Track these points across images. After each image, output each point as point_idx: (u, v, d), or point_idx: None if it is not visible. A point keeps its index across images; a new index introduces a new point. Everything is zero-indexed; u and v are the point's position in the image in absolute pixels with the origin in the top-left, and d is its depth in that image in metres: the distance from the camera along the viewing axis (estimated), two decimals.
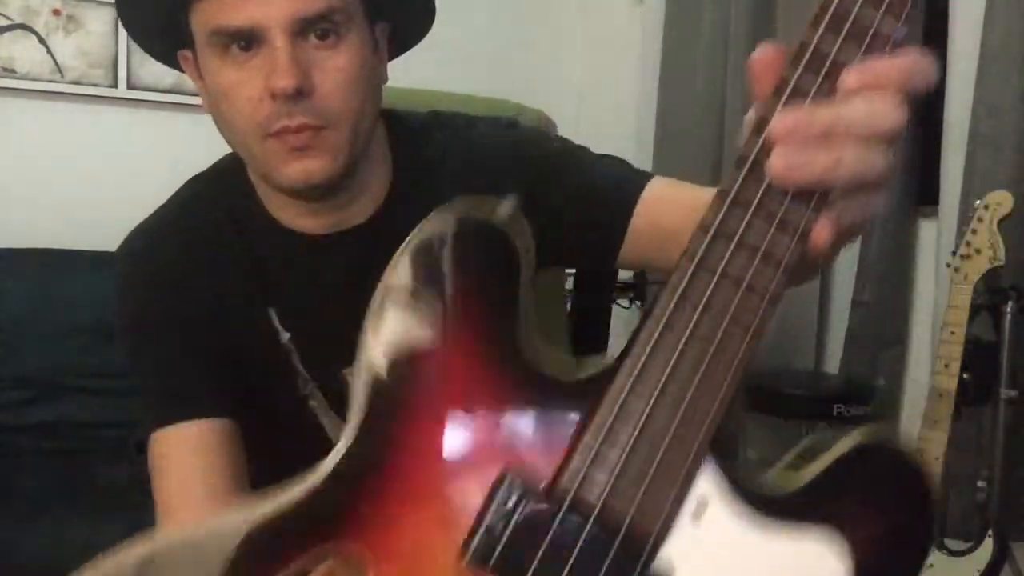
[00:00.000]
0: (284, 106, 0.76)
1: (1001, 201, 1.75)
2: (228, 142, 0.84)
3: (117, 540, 0.90)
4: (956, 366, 1.75)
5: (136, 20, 0.85)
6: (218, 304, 0.88)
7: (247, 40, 0.76)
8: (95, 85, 2.53)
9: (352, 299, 0.87)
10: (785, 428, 2.38)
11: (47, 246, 2.35)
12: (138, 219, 0.93)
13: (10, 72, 2.46)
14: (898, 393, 2.28)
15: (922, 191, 2.23)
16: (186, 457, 0.84)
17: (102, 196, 2.51)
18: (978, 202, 1.78)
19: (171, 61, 0.87)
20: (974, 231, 1.76)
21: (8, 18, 2.45)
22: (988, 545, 1.74)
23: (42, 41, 2.49)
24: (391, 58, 0.88)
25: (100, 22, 2.53)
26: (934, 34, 2.15)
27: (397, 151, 0.90)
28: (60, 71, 2.50)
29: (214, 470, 0.83)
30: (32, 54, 2.48)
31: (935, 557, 1.78)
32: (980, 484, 1.84)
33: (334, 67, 0.78)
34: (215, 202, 0.90)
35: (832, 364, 2.41)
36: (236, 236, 0.89)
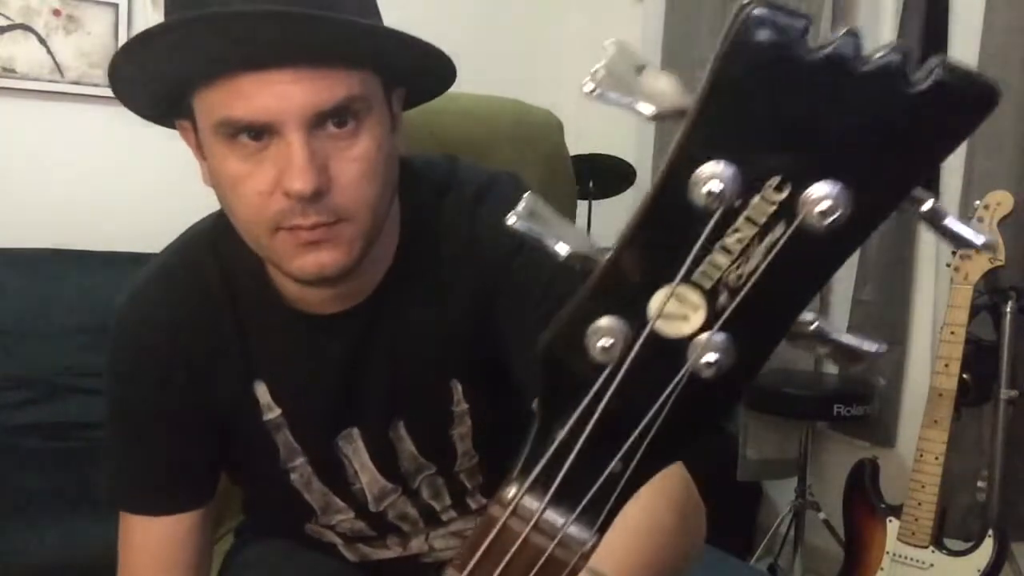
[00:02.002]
0: (298, 204, 0.70)
1: (1001, 201, 1.75)
2: (233, 224, 0.78)
3: (116, 540, 0.91)
4: (956, 366, 1.75)
5: (132, 96, 0.77)
6: (202, 380, 0.86)
7: (258, 132, 0.70)
8: (95, 85, 2.53)
9: (350, 376, 0.86)
10: (785, 428, 2.38)
11: (47, 246, 2.35)
12: (137, 219, 0.94)
13: (10, 72, 2.46)
14: (898, 393, 2.28)
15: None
16: (152, 547, 0.88)
17: (102, 196, 2.51)
18: (978, 202, 1.78)
19: (168, 125, 0.81)
20: None
21: (8, 18, 2.45)
22: (988, 545, 1.74)
23: (42, 41, 2.49)
24: (404, 110, 0.83)
25: (100, 22, 2.53)
26: (934, 34, 2.15)
27: (407, 217, 0.85)
28: (60, 71, 2.50)
29: (177, 564, 0.88)
30: (32, 54, 2.48)
31: (935, 557, 1.78)
32: (980, 484, 1.84)
33: (352, 157, 0.72)
34: (212, 268, 0.85)
35: (832, 364, 2.41)
36: (230, 308, 0.85)
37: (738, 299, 0.33)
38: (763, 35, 0.31)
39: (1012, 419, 1.82)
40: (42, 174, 2.49)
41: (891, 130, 0.30)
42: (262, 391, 0.86)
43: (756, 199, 0.32)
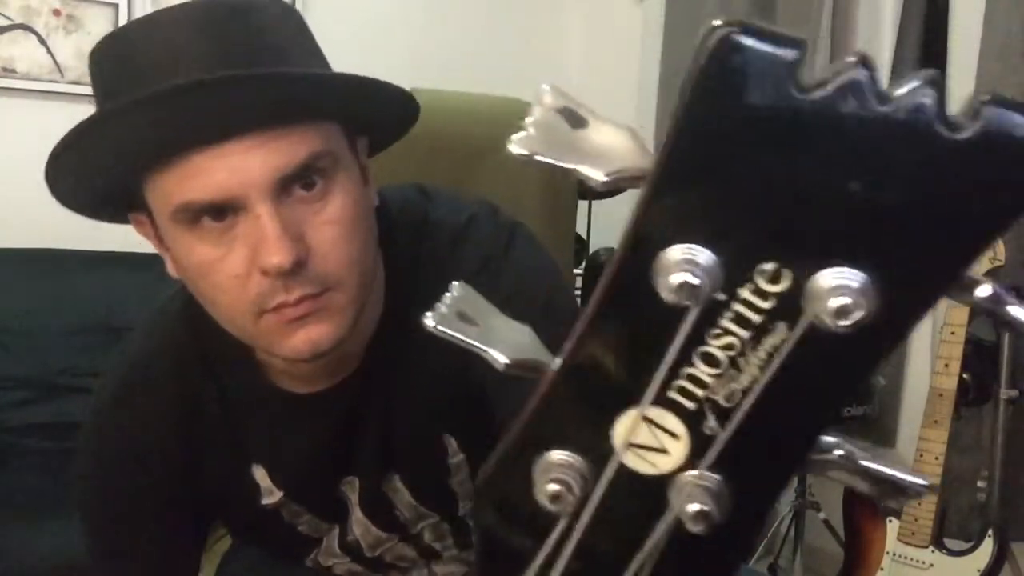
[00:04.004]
0: (279, 280, 0.64)
1: None
2: (210, 313, 0.71)
3: None
4: (956, 366, 1.75)
5: (77, 197, 0.71)
6: (190, 474, 0.82)
7: (221, 211, 0.64)
8: None
9: (345, 443, 0.82)
10: None
11: (47, 246, 2.35)
12: None
13: (10, 72, 2.46)
14: (898, 393, 2.28)
15: None
16: None
17: None
18: None
19: (121, 220, 0.74)
20: None
21: (8, 18, 2.44)
22: (988, 545, 1.74)
23: (42, 41, 2.48)
24: (369, 156, 0.77)
25: (100, 22, 2.53)
26: (934, 34, 2.15)
27: (389, 273, 0.79)
28: (60, 71, 2.50)
29: None
30: (32, 54, 2.47)
31: (935, 557, 1.78)
32: (980, 484, 1.84)
33: (326, 220, 0.66)
34: (192, 355, 0.80)
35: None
36: (215, 396, 0.80)
37: (732, 426, 0.25)
38: (743, 68, 0.22)
39: (1012, 419, 1.81)
40: (42, 174, 2.49)
41: (926, 193, 0.22)
42: (260, 474, 0.83)
43: (746, 292, 0.24)
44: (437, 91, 1.37)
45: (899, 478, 0.26)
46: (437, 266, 0.78)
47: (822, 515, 2.23)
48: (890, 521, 1.86)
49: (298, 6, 2.67)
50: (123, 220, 0.74)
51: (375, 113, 0.73)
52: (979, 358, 1.79)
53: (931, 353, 1.97)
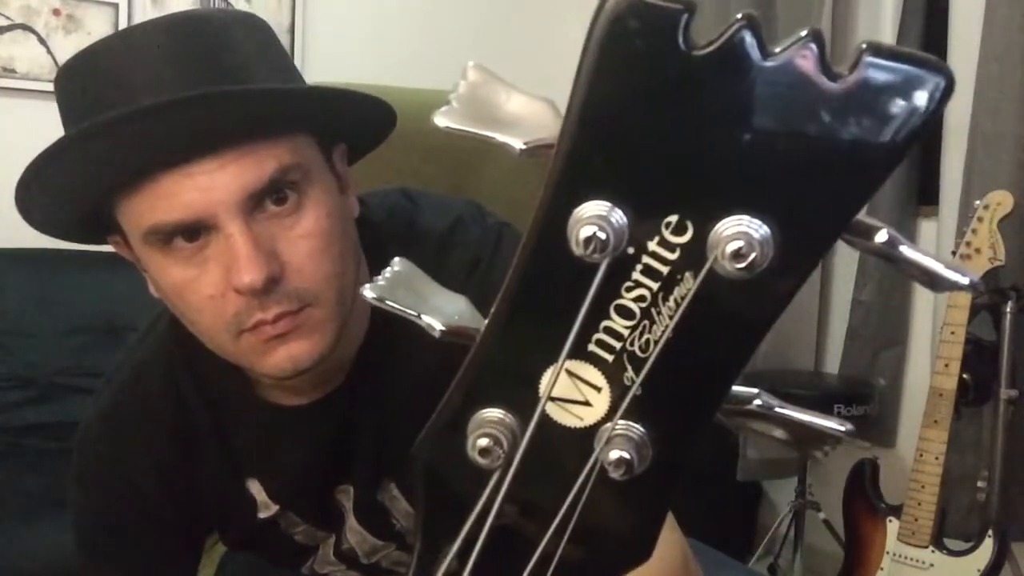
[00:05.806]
0: (255, 299, 0.63)
1: (1001, 201, 1.75)
2: (193, 332, 0.71)
3: None
4: (956, 366, 1.75)
5: (51, 224, 0.72)
6: (185, 494, 0.81)
7: (192, 232, 0.63)
8: None
9: (340, 453, 0.81)
10: None
11: (47, 246, 2.35)
12: None
13: (10, 72, 2.45)
14: (898, 393, 2.28)
15: (922, 191, 2.23)
16: None
17: None
18: (978, 202, 1.78)
19: (101, 242, 0.75)
20: (974, 231, 1.76)
21: (8, 18, 2.44)
22: (988, 545, 1.74)
23: (42, 41, 2.48)
24: (350, 164, 0.75)
25: (100, 22, 2.53)
26: (934, 34, 2.15)
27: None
28: None
29: None
30: (32, 54, 2.47)
31: (935, 557, 1.78)
32: (980, 484, 1.84)
33: (301, 234, 0.65)
34: (184, 374, 0.79)
35: (832, 364, 2.41)
36: (207, 414, 0.80)
37: (648, 375, 0.25)
38: (634, 30, 0.24)
39: (1012, 419, 1.81)
40: None
41: (814, 140, 0.23)
42: (256, 488, 0.83)
43: (653, 245, 0.25)
44: (437, 91, 1.37)
45: (817, 424, 0.27)
46: (426, 272, 0.77)
47: (822, 515, 2.23)
48: (890, 521, 1.86)
49: (298, 7, 2.67)
50: (99, 241, 0.74)
51: (348, 122, 0.72)
52: (979, 358, 1.80)
53: (931, 353, 1.97)
